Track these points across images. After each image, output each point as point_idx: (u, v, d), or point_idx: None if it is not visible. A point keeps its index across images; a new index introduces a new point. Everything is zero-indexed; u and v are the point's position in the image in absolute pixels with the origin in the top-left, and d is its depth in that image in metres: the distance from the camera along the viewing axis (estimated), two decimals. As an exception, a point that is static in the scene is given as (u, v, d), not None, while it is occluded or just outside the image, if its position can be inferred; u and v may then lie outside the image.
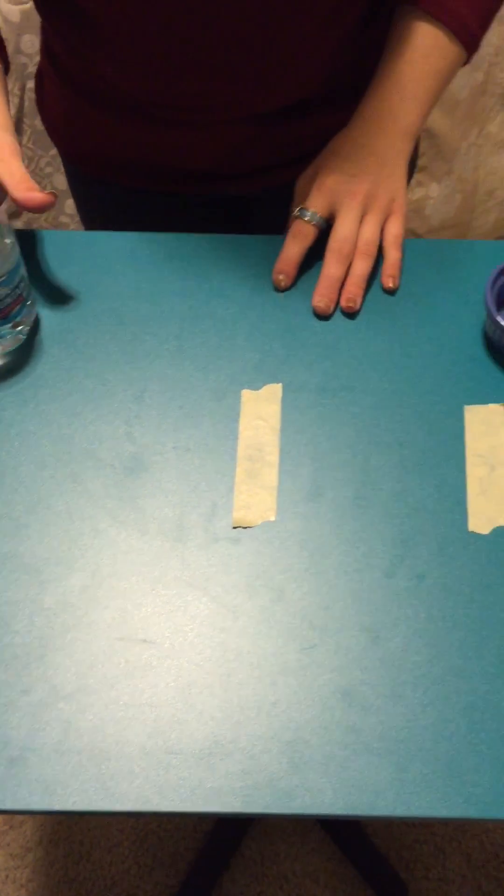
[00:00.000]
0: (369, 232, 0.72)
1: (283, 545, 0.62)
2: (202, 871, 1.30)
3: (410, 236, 1.71)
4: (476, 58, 1.43)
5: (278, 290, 0.73)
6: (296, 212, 0.73)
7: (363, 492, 0.64)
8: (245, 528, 0.62)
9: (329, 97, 0.78)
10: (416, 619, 0.59)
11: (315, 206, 0.72)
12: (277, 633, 0.59)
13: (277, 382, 0.68)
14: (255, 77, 0.72)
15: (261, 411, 0.67)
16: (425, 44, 0.72)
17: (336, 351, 0.70)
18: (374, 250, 0.72)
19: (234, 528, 0.62)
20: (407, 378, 0.69)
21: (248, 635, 0.58)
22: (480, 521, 0.63)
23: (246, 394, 0.68)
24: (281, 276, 0.73)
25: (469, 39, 0.73)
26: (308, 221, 0.72)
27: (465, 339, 0.71)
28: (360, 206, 0.72)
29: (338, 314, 0.72)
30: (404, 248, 0.74)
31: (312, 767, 0.54)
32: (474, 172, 1.54)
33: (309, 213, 0.72)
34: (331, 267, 0.72)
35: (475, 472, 0.65)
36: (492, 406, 0.67)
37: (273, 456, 0.65)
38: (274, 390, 0.68)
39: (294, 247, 0.72)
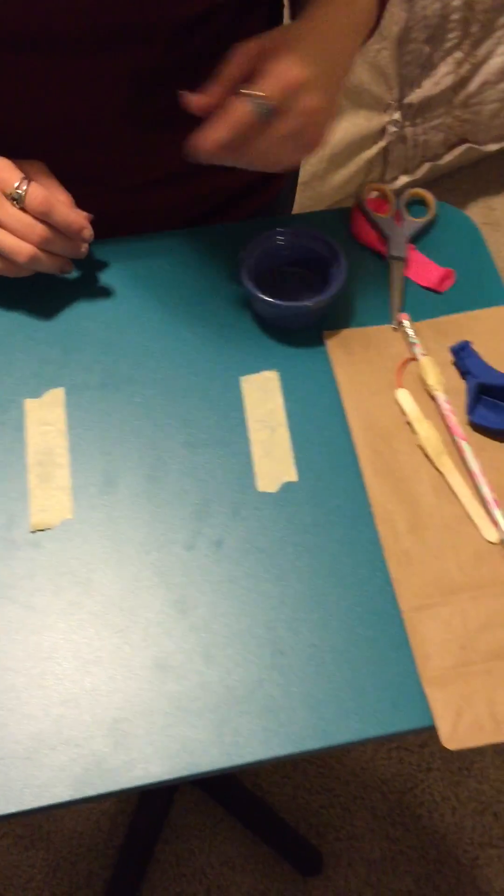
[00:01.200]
0: None
1: (85, 539, 0.64)
2: (120, 885, 1.30)
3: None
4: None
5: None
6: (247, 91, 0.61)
7: (155, 474, 0.66)
8: (44, 530, 0.64)
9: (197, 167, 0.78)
10: (220, 583, 0.62)
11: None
12: (89, 623, 0.60)
13: (59, 387, 0.70)
14: (126, 150, 0.74)
15: (46, 417, 0.69)
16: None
17: (113, 348, 0.73)
18: None
19: (33, 532, 0.64)
20: (184, 361, 0.72)
21: (59, 631, 0.60)
22: (268, 480, 0.66)
23: (28, 403, 0.69)
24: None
25: (381, 12, 0.73)
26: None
27: (233, 316, 0.75)
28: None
29: (109, 318, 0.74)
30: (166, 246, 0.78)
31: (137, 741, 0.56)
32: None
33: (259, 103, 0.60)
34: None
35: (257, 436, 0.68)
36: (265, 373, 0.71)
37: (63, 458, 0.67)
38: (56, 395, 0.70)
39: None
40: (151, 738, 0.56)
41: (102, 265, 0.78)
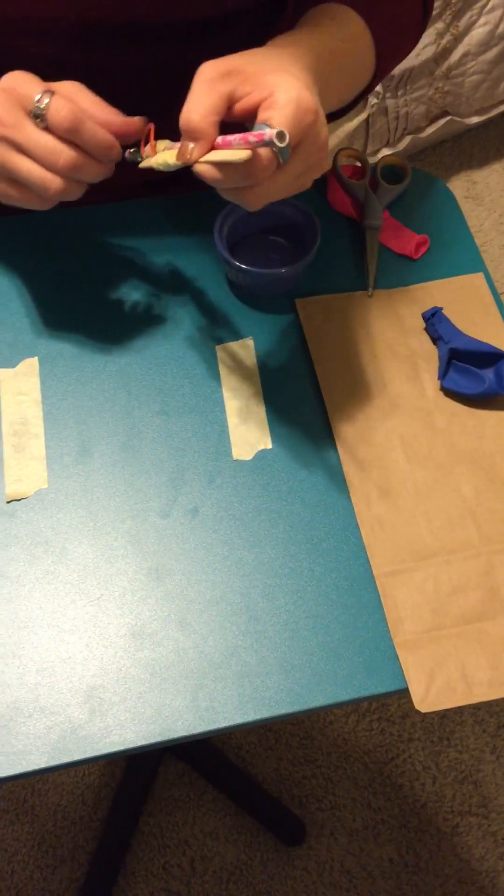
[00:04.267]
0: None
1: (60, 508, 0.63)
2: (105, 857, 1.31)
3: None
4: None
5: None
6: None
7: (130, 443, 0.66)
8: (19, 500, 0.63)
9: None
10: (195, 551, 0.62)
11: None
12: (64, 592, 0.60)
13: (33, 356, 0.70)
14: None
15: (21, 386, 0.68)
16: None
17: (86, 318, 0.72)
18: None
19: (8, 502, 0.63)
20: (161, 330, 0.72)
21: (34, 600, 0.60)
22: (243, 449, 0.66)
23: (3, 372, 0.69)
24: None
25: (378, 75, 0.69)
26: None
27: (209, 284, 0.74)
28: None
29: (84, 287, 0.74)
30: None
31: (113, 708, 0.56)
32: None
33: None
34: None
35: (232, 405, 0.68)
36: (241, 341, 0.71)
37: (38, 427, 0.66)
38: (31, 364, 0.69)
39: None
40: (127, 704, 0.56)
41: (78, 232, 0.77)
